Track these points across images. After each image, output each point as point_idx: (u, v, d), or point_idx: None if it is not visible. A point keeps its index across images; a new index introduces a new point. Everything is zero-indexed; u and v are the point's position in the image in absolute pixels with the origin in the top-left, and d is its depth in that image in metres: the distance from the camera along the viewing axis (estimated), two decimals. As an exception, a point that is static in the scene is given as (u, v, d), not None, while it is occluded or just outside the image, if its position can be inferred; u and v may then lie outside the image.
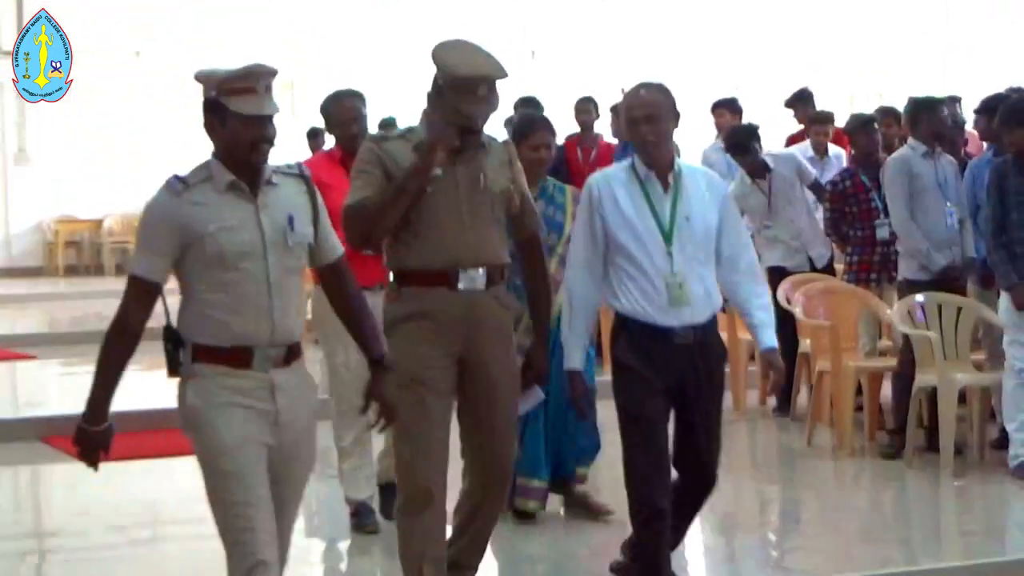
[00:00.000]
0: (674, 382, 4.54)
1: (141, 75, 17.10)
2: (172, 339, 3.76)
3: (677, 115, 4.60)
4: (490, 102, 4.39)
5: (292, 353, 3.82)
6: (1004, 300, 6.78)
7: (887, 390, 7.68)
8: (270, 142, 3.74)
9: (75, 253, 17.90)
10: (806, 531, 6.36)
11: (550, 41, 18.64)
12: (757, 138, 8.55)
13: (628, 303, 4.54)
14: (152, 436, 8.04)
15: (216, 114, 3.74)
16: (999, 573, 5.45)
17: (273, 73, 3.77)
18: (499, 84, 4.44)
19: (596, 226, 4.58)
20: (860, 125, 8.18)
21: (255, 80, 3.71)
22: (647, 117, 4.52)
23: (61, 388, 10.08)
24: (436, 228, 4.38)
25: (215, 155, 3.77)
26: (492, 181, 4.46)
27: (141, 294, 3.74)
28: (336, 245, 3.98)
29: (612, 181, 4.61)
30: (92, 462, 3.77)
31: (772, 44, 18.51)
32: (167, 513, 6.68)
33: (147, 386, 10.01)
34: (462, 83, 4.32)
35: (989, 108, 7.72)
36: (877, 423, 7.69)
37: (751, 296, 4.70)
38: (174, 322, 3.77)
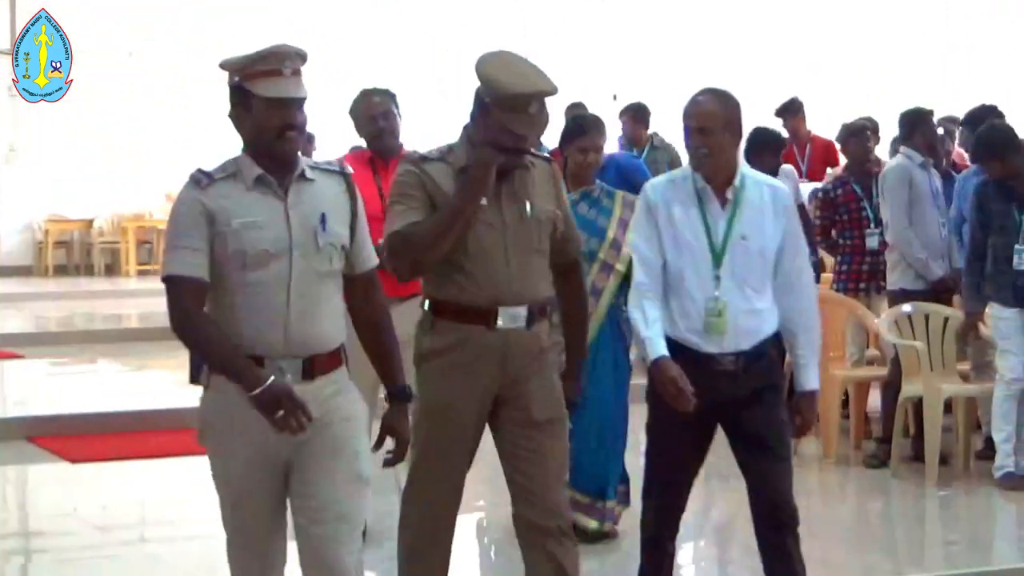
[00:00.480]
0: (713, 405, 4.25)
1: (137, 75, 17.08)
2: None
3: (738, 126, 4.28)
4: (541, 121, 4.02)
5: (317, 366, 3.51)
6: (995, 311, 6.79)
7: (874, 399, 7.70)
8: (299, 130, 3.48)
9: (64, 253, 17.83)
10: (791, 539, 6.36)
11: (547, 44, 18.65)
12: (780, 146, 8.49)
13: (668, 323, 4.26)
14: (139, 437, 8.04)
15: (241, 101, 3.49)
16: (983, 583, 5.47)
17: (301, 55, 3.52)
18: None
19: (655, 232, 4.29)
20: (851, 133, 8.17)
21: (279, 61, 3.46)
22: (699, 129, 4.23)
23: (48, 388, 10.05)
24: (478, 262, 4.02)
25: (244, 149, 3.54)
26: (539, 209, 4.10)
27: (181, 294, 3.43)
28: (371, 256, 3.70)
29: (668, 192, 4.31)
30: (294, 426, 3.37)
31: (769, 47, 18.50)
32: (154, 514, 6.69)
33: (135, 387, 10.07)
34: (513, 101, 3.93)
35: (973, 122, 7.76)
36: (863, 432, 7.71)
37: (801, 331, 4.42)
38: None
